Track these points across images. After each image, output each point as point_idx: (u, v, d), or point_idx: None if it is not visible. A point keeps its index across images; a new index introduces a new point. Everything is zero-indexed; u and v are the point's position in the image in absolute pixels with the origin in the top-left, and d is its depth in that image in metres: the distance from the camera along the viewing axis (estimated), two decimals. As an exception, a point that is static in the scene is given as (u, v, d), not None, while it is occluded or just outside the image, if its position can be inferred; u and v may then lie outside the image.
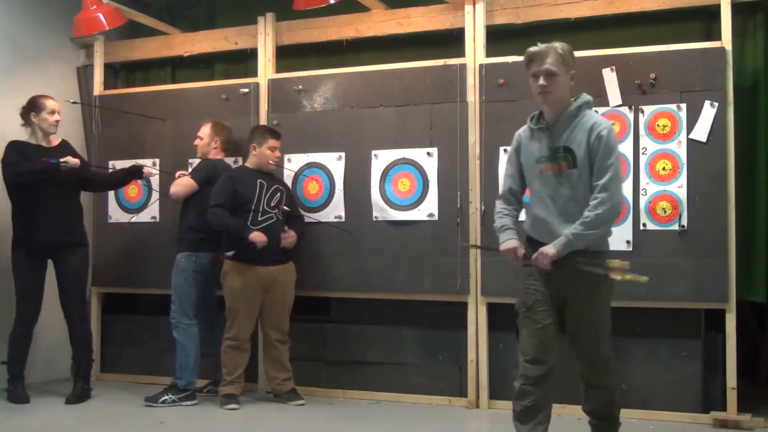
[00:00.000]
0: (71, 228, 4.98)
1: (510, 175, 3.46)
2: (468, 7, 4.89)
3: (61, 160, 4.78)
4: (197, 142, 5.11)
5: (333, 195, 5.09)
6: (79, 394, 4.94)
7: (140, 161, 5.44)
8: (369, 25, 5.25)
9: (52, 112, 4.95)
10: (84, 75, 5.94)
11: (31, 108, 4.93)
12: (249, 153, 4.93)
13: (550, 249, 3.19)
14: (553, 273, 3.24)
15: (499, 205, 3.50)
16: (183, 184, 4.95)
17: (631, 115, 4.51)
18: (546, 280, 3.27)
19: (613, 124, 4.48)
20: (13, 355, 4.92)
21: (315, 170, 5.15)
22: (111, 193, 5.63)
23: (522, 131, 3.42)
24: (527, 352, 3.29)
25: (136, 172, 5.15)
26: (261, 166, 4.89)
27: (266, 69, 5.36)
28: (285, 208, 4.88)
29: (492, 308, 4.76)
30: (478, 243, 4.70)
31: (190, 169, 5.19)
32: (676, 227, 4.39)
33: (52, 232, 4.86)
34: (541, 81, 3.21)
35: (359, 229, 5.01)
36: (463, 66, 4.85)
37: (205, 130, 5.09)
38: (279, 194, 4.91)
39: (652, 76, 4.45)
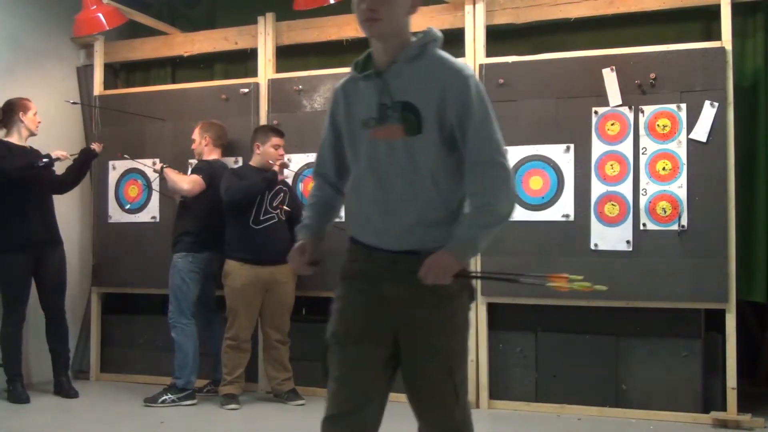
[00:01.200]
0: (51, 227, 5.08)
1: (325, 147, 2.45)
2: (468, 7, 4.89)
3: (53, 154, 4.93)
4: (193, 145, 5.13)
5: (333, 195, 5.08)
6: (72, 387, 5.06)
7: (140, 161, 5.44)
8: (369, 25, 5.24)
9: (36, 113, 5.04)
10: (84, 75, 5.95)
11: (18, 109, 4.97)
12: (253, 152, 4.93)
13: (446, 258, 2.15)
14: (383, 284, 2.26)
15: (311, 190, 2.55)
16: (194, 180, 4.94)
17: (631, 115, 4.51)
18: (371, 295, 2.28)
19: (612, 124, 4.57)
20: (7, 356, 4.93)
21: (315, 170, 5.15)
22: (111, 193, 5.65)
23: (344, 83, 2.39)
24: (331, 405, 2.28)
25: (89, 155, 5.23)
26: (265, 165, 4.89)
27: (266, 69, 5.36)
28: (286, 208, 4.88)
29: (492, 308, 4.77)
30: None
31: (189, 170, 5.20)
32: (676, 227, 4.39)
33: (37, 230, 4.95)
34: (367, 3, 2.17)
35: (359, 229, 5.00)
36: (463, 66, 4.84)
37: (196, 132, 5.11)
38: (282, 195, 4.91)
39: (652, 76, 4.45)
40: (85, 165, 5.28)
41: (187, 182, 4.94)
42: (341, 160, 2.41)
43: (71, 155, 5.17)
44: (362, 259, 2.34)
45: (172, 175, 4.99)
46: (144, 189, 5.54)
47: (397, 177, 2.23)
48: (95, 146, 5.25)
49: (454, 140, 2.21)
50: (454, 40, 5.05)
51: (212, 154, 5.11)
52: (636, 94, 4.49)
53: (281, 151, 4.94)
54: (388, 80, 2.23)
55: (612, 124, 4.55)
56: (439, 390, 2.27)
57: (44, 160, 4.91)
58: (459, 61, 2.26)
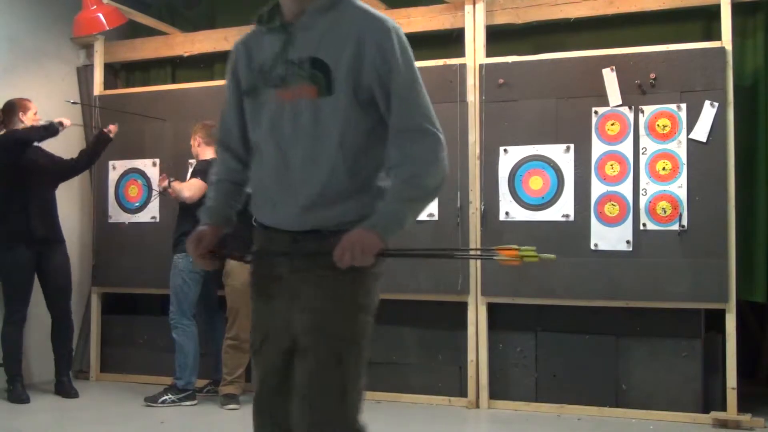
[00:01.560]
0: (53, 224, 5.08)
1: (228, 113, 2.15)
2: (468, 7, 4.89)
3: (55, 120, 4.93)
4: (192, 150, 5.15)
5: (333, 195, 5.08)
6: (72, 388, 5.05)
7: (140, 161, 5.44)
8: (369, 25, 5.24)
9: (36, 113, 5.04)
10: (84, 75, 5.95)
11: (18, 109, 4.96)
12: None
13: (367, 236, 1.86)
14: (284, 273, 2.00)
15: (214, 166, 2.24)
16: (194, 187, 4.93)
17: (631, 115, 4.51)
18: (279, 293, 2.02)
19: (612, 124, 4.57)
20: (8, 355, 4.92)
21: (315, 170, 5.14)
22: (111, 193, 5.65)
23: (245, 38, 2.17)
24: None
25: (102, 138, 5.21)
26: None
27: (266, 69, 5.35)
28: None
29: (492, 308, 4.77)
30: (479, 245, 4.70)
31: (190, 171, 5.20)
32: (676, 227, 4.39)
33: (38, 226, 4.94)
34: None
35: (359, 229, 5.00)
36: (463, 66, 4.85)
37: (191, 137, 5.12)
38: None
39: (652, 76, 4.45)
40: (99, 149, 5.26)
41: (188, 190, 4.91)
42: (247, 128, 2.09)
43: (76, 123, 5.19)
44: (264, 244, 2.05)
45: (176, 186, 5.00)
46: (144, 189, 5.53)
47: (299, 143, 1.93)
48: (110, 128, 5.23)
49: (372, 103, 1.93)
50: (454, 40, 5.06)
51: (207, 153, 5.09)
52: (636, 94, 4.49)
53: None
54: (295, 33, 1.96)
55: (612, 124, 4.55)
56: (321, 379, 1.90)
57: (46, 123, 4.91)
58: (380, 12, 1.96)
